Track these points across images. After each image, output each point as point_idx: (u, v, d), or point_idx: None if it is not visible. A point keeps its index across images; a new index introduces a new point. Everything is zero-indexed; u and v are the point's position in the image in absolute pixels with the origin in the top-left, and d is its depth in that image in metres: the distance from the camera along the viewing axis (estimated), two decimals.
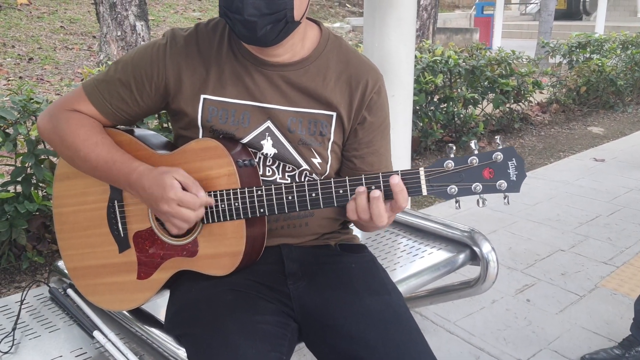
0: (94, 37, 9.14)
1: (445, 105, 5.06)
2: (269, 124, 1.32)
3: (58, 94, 6.54)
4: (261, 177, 1.32)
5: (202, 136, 1.32)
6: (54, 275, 1.76)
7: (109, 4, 6.35)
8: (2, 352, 1.45)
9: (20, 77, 7.15)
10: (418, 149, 4.97)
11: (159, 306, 1.53)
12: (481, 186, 1.14)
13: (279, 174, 1.35)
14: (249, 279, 1.31)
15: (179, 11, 12.45)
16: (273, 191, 1.22)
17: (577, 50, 7.22)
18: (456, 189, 1.14)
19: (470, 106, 5.29)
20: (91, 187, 1.36)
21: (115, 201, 1.35)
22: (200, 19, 11.96)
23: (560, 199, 4.06)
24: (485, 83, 5.38)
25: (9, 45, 8.42)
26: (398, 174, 1.16)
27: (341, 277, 1.36)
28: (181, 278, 1.34)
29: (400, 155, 2.80)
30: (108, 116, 1.34)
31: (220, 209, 1.25)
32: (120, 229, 1.35)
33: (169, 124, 2.94)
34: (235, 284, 1.29)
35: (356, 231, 1.68)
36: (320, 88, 1.33)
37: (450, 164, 1.14)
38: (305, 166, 1.35)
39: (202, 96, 1.31)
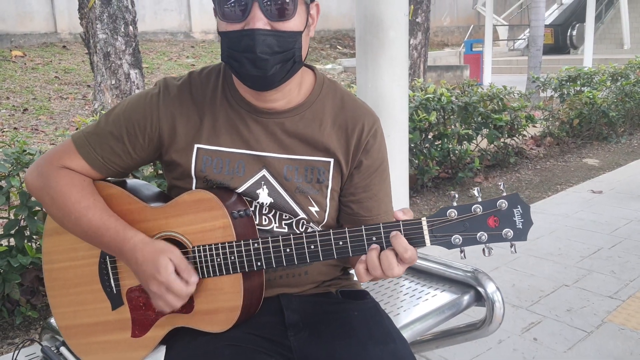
0: (89, 86, 9.21)
1: (440, 142, 5.07)
2: (264, 172, 1.29)
3: (53, 144, 6.54)
4: (257, 227, 1.29)
5: (196, 186, 1.29)
6: (46, 333, 1.70)
7: (103, 53, 6.40)
8: None
9: (15, 128, 7.17)
10: (415, 186, 4.95)
11: None
12: (486, 235, 1.10)
13: (275, 223, 1.32)
14: (248, 332, 1.26)
15: (172, 58, 12.61)
16: (270, 244, 1.18)
17: (568, 83, 7.30)
18: (460, 238, 1.10)
19: (465, 142, 5.30)
20: (81, 242, 1.32)
21: (107, 257, 1.31)
22: (194, 65, 12.11)
23: (561, 233, 4.02)
24: (479, 119, 5.40)
25: (3, 97, 8.48)
26: (399, 227, 1.12)
27: (344, 326, 1.31)
28: (178, 334, 1.29)
29: (398, 197, 2.77)
30: (99, 170, 1.31)
31: (215, 263, 1.21)
32: (113, 285, 1.31)
33: None
34: (233, 339, 1.23)
35: None
36: (317, 134, 1.31)
37: (453, 213, 1.10)
38: (302, 215, 1.32)
39: (196, 145, 1.28)
